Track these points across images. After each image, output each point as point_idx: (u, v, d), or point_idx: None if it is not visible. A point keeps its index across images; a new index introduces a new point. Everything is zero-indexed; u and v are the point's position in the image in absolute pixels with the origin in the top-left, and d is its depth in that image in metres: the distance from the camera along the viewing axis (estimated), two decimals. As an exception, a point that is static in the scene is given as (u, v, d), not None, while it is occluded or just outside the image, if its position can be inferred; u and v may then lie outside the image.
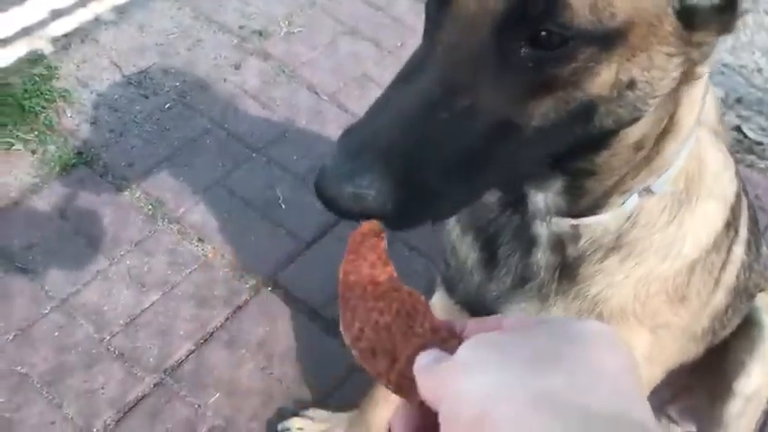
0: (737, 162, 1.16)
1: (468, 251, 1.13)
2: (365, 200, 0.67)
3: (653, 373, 1.15)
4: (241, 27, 2.60)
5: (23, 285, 1.85)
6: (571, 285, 1.02)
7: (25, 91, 2.23)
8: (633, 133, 0.83)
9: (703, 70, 0.83)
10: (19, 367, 1.72)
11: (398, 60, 2.53)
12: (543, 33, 0.70)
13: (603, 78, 0.74)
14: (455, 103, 0.72)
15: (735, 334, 1.38)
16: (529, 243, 1.02)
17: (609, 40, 0.72)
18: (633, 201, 0.93)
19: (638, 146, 0.86)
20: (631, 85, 0.76)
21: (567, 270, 1.01)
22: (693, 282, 1.03)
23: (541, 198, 0.94)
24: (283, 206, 2.08)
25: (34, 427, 1.63)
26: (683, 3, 0.74)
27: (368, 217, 0.67)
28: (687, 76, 0.81)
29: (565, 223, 0.96)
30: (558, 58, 0.71)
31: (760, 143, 2.56)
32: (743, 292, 1.27)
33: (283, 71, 2.46)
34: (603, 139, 0.82)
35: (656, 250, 0.98)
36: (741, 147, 2.53)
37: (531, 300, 1.05)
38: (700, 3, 0.75)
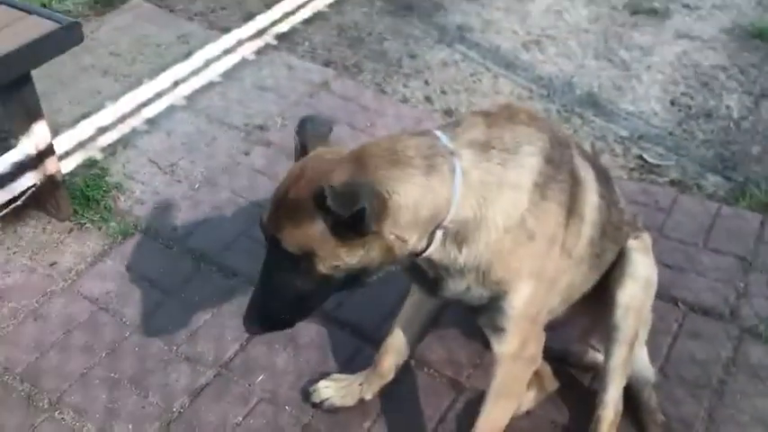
0: (642, 180, 1.83)
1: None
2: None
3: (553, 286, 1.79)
4: (246, 124, 3.33)
5: (107, 319, 2.46)
6: (455, 274, 1.69)
7: (87, 186, 2.91)
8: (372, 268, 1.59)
9: (404, 250, 1.56)
10: (112, 374, 2.30)
11: (371, 136, 3.26)
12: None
13: (322, 268, 1.52)
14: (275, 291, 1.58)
15: (614, 265, 2.02)
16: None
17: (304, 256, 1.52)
18: (438, 236, 1.60)
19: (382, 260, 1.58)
20: (345, 266, 1.53)
21: (446, 270, 1.70)
22: (528, 228, 1.65)
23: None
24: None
25: (130, 412, 2.20)
26: (331, 233, 1.48)
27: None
28: (392, 252, 1.55)
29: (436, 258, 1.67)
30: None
31: (658, 165, 3.27)
32: (608, 225, 1.91)
33: (283, 153, 3.17)
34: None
35: (481, 234, 1.62)
36: (644, 169, 3.24)
37: (446, 287, 1.75)
38: (340, 227, 1.46)
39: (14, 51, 2.29)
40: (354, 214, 1.44)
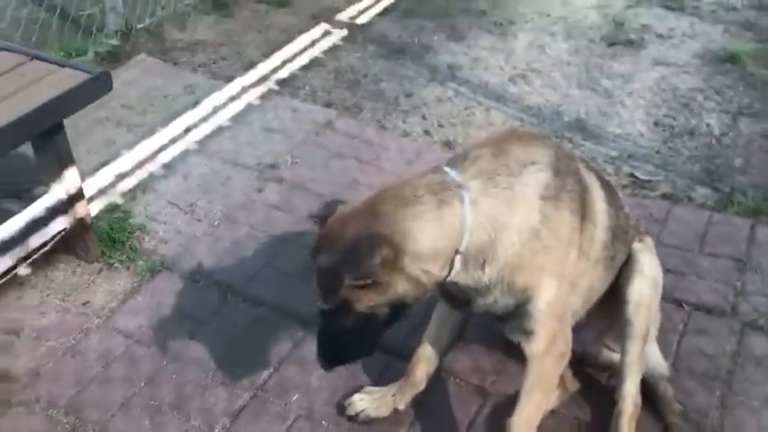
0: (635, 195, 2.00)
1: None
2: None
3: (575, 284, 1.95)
4: (257, 164, 3.50)
5: (143, 351, 2.57)
6: (482, 291, 1.86)
7: (112, 229, 3.04)
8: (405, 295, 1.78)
9: (430, 279, 1.76)
10: (153, 401, 2.40)
11: (376, 168, 3.44)
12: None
13: (360, 308, 1.75)
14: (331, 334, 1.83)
15: (623, 266, 2.18)
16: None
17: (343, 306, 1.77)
18: (457, 262, 1.77)
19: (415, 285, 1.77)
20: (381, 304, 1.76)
21: (474, 290, 1.87)
22: (543, 239, 1.80)
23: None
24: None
25: (174, 435, 2.30)
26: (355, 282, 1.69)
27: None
28: (419, 283, 1.75)
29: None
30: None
31: (649, 181, 3.46)
32: (618, 229, 2.09)
33: (295, 188, 3.33)
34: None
35: (499, 253, 1.79)
36: (636, 185, 3.44)
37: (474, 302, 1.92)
38: (364, 277, 1.68)
39: (51, 101, 2.44)
40: (373, 261, 1.65)
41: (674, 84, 4.29)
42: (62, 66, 2.63)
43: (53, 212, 2.69)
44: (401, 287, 1.73)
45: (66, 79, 2.55)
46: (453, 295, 1.92)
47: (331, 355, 1.89)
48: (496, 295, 1.84)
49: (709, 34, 4.86)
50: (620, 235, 2.13)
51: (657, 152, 3.70)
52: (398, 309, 1.79)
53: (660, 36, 4.85)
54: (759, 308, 2.70)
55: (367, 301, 1.73)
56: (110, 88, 2.63)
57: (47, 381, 2.46)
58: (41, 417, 2.34)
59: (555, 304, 1.89)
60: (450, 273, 1.78)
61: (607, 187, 2.11)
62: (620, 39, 4.78)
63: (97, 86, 2.58)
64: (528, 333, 1.91)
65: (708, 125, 3.91)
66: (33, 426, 2.31)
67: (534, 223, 1.80)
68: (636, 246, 2.21)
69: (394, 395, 2.30)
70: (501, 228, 1.78)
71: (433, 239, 1.71)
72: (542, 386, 1.99)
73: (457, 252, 1.76)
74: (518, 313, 1.88)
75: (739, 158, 3.64)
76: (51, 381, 2.46)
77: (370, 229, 1.68)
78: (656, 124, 3.94)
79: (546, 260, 1.82)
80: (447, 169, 1.83)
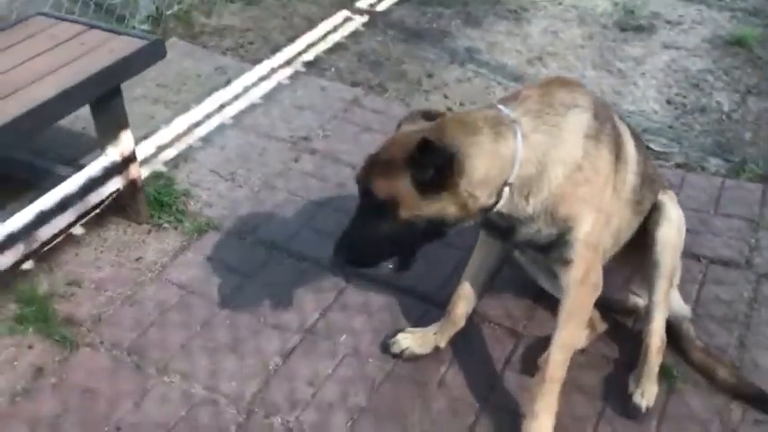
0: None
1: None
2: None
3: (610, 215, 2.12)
4: (291, 137, 3.68)
5: (196, 300, 2.74)
6: (526, 221, 2.02)
7: (159, 193, 3.21)
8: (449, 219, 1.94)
9: (476, 205, 1.92)
10: (209, 343, 2.57)
11: (405, 140, 3.61)
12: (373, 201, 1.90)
13: (403, 214, 1.87)
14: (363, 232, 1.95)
15: (650, 215, 2.35)
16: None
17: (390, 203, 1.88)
18: (506, 192, 1.94)
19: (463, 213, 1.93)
20: (424, 216, 1.89)
21: (518, 220, 2.03)
22: (585, 172, 1.98)
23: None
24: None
25: (231, 373, 2.46)
26: (415, 185, 1.83)
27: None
28: (465, 207, 1.90)
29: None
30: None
31: (663, 152, 3.65)
32: (645, 176, 2.27)
33: (328, 159, 3.51)
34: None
35: (544, 185, 1.96)
36: (653, 155, 3.59)
37: (519, 232, 2.08)
38: (423, 181, 1.84)
39: (111, 65, 2.62)
40: (437, 169, 1.80)
41: (684, 66, 4.48)
42: (118, 34, 2.82)
43: (109, 173, 2.86)
44: (448, 207, 1.89)
45: (123, 46, 2.73)
46: (497, 226, 2.09)
47: (353, 251, 1.99)
48: (540, 225, 2.01)
49: (716, 20, 5.05)
50: (647, 182, 2.31)
51: (671, 127, 3.89)
52: (437, 228, 1.94)
53: (669, 22, 5.03)
54: (772, 261, 2.88)
55: (413, 209, 1.86)
56: (163, 55, 2.82)
57: (109, 326, 2.63)
58: (107, 356, 2.51)
59: (592, 235, 2.06)
60: (497, 202, 1.95)
61: (636, 137, 2.29)
62: (630, 24, 4.97)
63: (152, 53, 2.76)
64: (567, 262, 2.08)
65: (718, 103, 4.10)
66: (100, 363, 2.48)
67: (577, 158, 1.97)
68: (662, 197, 2.39)
69: (435, 333, 2.48)
70: (547, 161, 1.95)
71: (487, 167, 1.89)
72: (578, 315, 2.16)
73: (506, 183, 1.93)
74: (559, 243, 2.05)
75: (749, 132, 3.83)
76: (113, 326, 2.63)
77: (441, 142, 1.83)
78: (668, 102, 4.12)
79: (586, 192, 1.99)
80: (501, 106, 2.00)
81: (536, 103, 2.01)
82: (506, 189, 1.94)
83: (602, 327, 2.55)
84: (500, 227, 2.08)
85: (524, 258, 2.55)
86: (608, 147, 2.05)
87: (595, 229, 2.07)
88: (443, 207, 1.89)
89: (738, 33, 4.77)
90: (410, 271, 2.09)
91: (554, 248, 2.07)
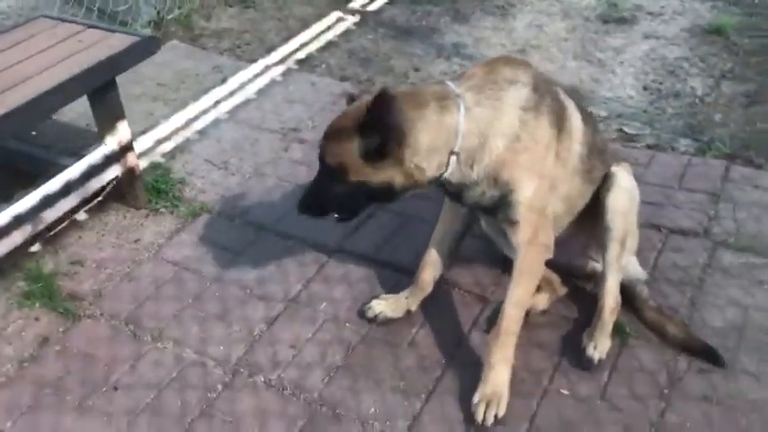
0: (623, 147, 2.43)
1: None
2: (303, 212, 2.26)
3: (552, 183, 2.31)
4: (281, 128, 3.90)
5: (189, 276, 2.96)
6: (471, 185, 2.22)
7: (156, 181, 3.45)
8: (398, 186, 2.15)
9: (423, 176, 2.13)
10: (200, 313, 2.78)
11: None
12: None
13: (352, 178, 2.11)
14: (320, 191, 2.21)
15: (602, 185, 2.53)
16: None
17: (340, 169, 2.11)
18: (451, 167, 2.15)
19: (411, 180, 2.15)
20: (371, 183, 2.12)
21: (464, 185, 2.22)
22: (522, 141, 2.16)
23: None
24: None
25: (220, 338, 2.67)
26: (361, 154, 2.04)
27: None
28: (412, 177, 2.12)
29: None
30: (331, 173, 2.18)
31: (635, 135, 3.82)
32: (593, 146, 2.45)
33: (316, 147, 3.71)
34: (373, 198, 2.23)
35: (486, 154, 2.16)
36: (623, 138, 3.79)
37: (466, 194, 2.26)
38: (369, 149, 2.04)
39: (107, 59, 2.86)
40: (382, 138, 2.01)
41: (662, 54, 4.66)
42: (114, 32, 3.05)
43: (108, 160, 3.10)
44: (396, 176, 2.10)
45: (118, 42, 2.97)
46: (447, 190, 2.30)
47: (312, 204, 2.27)
48: (484, 188, 2.21)
49: (697, 10, 5.22)
50: (596, 153, 2.49)
51: (645, 111, 4.07)
52: (385, 193, 2.16)
53: (651, 14, 5.21)
54: (729, 230, 3.05)
55: (360, 175, 2.09)
56: (155, 50, 3.05)
57: (108, 300, 2.85)
58: (106, 326, 2.74)
59: (535, 198, 2.25)
60: (446, 170, 2.15)
61: (583, 111, 2.48)
62: (613, 16, 5.15)
63: (145, 48, 3.00)
64: (513, 223, 2.27)
65: (692, 88, 4.27)
66: (101, 332, 2.71)
67: (515, 129, 2.17)
68: (614, 168, 2.57)
69: (407, 298, 2.68)
70: (489, 133, 2.15)
71: (432, 138, 2.09)
72: (529, 273, 2.35)
73: (452, 153, 2.13)
74: (503, 204, 2.24)
75: (719, 114, 4.00)
76: (112, 299, 2.85)
77: (388, 115, 2.03)
78: (644, 88, 4.30)
79: (525, 159, 2.19)
80: (448, 82, 2.21)
81: (480, 79, 2.21)
82: (452, 159, 2.14)
83: (562, 290, 2.73)
84: (449, 191, 2.28)
85: (489, 228, 2.74)
86: (548, 118, 2.24)
87: (539, 193, 2.26)
88: (390, 175, 2.11)
89: (717, 22, 4.93)
90: (350, 222, 2.41)
91: (500, 210, 2.27)
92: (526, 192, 2.23)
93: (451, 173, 2.18)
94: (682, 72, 4.44)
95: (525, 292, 2.36)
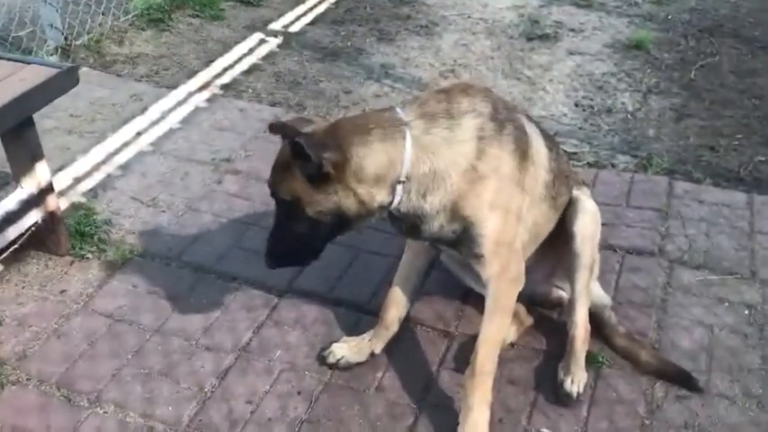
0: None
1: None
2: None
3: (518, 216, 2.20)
4: (213, 159, 3.67)
5: (126, 328, 2.69)
6: (426, 218, 2.08)
7: (79, 224, 3.15)
8: (351, 213, 2.02)
9: (372, 201, 2.01)
10: (142, 370, 2.53)
11: (327, 156, 3.65)
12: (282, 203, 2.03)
13: (309, 211, 2.00)
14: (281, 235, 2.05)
15: (566, 211, 2.46)
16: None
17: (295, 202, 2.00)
18: (397, 195, 2.03)
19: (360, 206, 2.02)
20: (327, 211, 2.00)
21: (418, 218, 2.09)
22: (480, 172, 2.04)
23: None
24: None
25: (167, 398, 2.43)
26: (307, 179, 1.95)
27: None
28: (362, 203, 2.01)
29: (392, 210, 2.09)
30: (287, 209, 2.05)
31: (575, 153, 3.81)
32: (559, 172, 2.37)
33: (251, 178, 3.52)
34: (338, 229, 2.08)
35: (438, 183, 2.04)
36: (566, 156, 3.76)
37: (423, 228, 2.13)
38: (310, 175, 1.93)
39: (23, 95, 2.57)
40: (320, 164, 1.90)
41: (589, 70, 4.70)
42: (27, 63, 2.76)
43: (26, 206, 2.80)
44: (345, 200, 1.99)
45: (33, 75, 2.68)
46: (401, 222, 2.15)
47: (278, 254, 2.15)
48: (442, 221, 2.09)
49: (616, 26, 5.32)
50: (562, 179, 2.41)
51: (580, 128, 4.07)
52: (343, 222, 2.05)
53: (573, 30, 5.27)
54: (682, 247, 3.05)
55: (314, 205, 1.99)
56: (76, 82, 2.78)
57: (36, 361, 2.55)
58: (35, 392, 2.44)
59: (501, 232, 2.12)
60: (393, 200, 2.03)
61: (547, 136, 2.40)
62: (536, 34, 5.18)
63: (66, 80, 2.72)
64: (478, 257, 2.15)
65: (623, 103, 4.31)
66: (29, 400, 2.41)
67: (470, 159, 2.05)
68: (576, 192, 2.50)
69: (370, 340, 2.51)
70: (438, 162, 2.04)
71: (375, 165, 1.98)
72: (501, 309, 2.24)
73: (399, 181, 2.00)
74: (465, 238, 2.12)
75: (653, 129, 4.04)
76: (40, 361, 2.56)
77: (326, 139, 1.95)
78: (576, 105, 4.31)
79: (484, 190, 2.07)
80: (398, 109, 2.08)
81: (433, 106, 2.09)
82: (399, 187, 2.02)
83: (528, 320, 2.64)
84: (406, 224, 2.14)
85: (450, 261, 2.62)
86: (509, 147, 2.13)
87: (505, 227, 2.14)
88: (340, 200, 2.00)
89: (636, 37, 5.03)
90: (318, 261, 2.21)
91: (463, 244, 2.14)
92: (489, 225, 2.11)
93: (400, 202, 2.05)
94: (610, 88, 4.49)
95: (499, 328, 2.25)
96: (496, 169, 2.10)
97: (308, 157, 1.90)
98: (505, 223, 2.15)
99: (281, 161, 2.03)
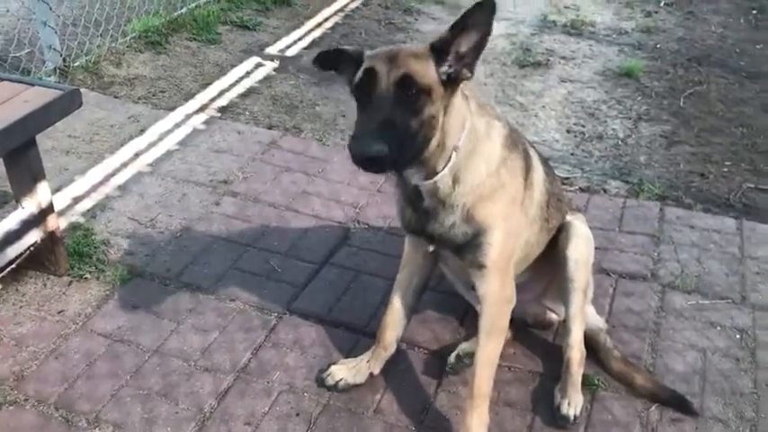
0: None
1: (406, 210, 2.24)
2: (381, 154, 1.80)
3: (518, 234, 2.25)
4: (211, 180, 3.70)
5: (125, 348, 2.70)
6: (448, 208, 2.12)
7: (77, 244, 3.16)
8: (432, 143, 1.98)
9: (452, 128, 1.99)
10: (141, 391, 2.53)
11: (323, 179, 3.69)
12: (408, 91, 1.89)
13: (430, 110, 1.90)
14: (388, 120, 1.86)
15: (560, 234, 2.51)
16: (419, 197, 2.14)
17: (425, 92, 1.89)
18: (451, 162, 2.05)
19: (437, 146, 2.00)
20: (433, 117, 1.93)
21: (442, 204, 2.12)
22: (501, 179, 2.13)
23: (410, 174, 2.07)
24: (279, 270, 3.08)
25: (166, 419, 2.43)
26: (442, 78, 1.92)
27: (378, 164, 1.83)
28: (448, 131, 1.98)
29: (427, 183, 2.08)
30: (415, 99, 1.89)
31: (567, 178, 3.87)
32: (552, 195, 2.42)
33: (249, 200, 3.55)
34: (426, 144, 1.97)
35: (470, 174, 2.09)
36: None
37: (438, 221, 2.15)
38: (450, 77, 1.93)
39: (27, 116, 2.60)
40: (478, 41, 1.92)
41: (580, 97, 4.78)
42: (31, 85, 2.79)
43: (26, 225, 2.81)
44: (446, 118, 1.95)
45: (37, 97, 2.71)
46: (421, 204, 2.15)
47: (377, 137, 1.81)
48: (457, 218, 2.12)
49: (606, 54, 5.42)
50: (554, 202, 2.47)
51: (572, 154, 4.13)
52: (422, 145, 1.94)
53: (564, 58, 5.37)
54: (674, 272, 3.10)
55: (437, 104, 1.89)
56: (80, 104, 2.80)
57: (33, 381, 2.55)
58: (33, 413, 2.44)
59: (504, 245, 2.18)
60: (447, 164, 2.04)
61: (544, 161, 2.46)
62: (528, 61, 5.27)
63: (69, 102, 2.75)
64: (481, 268, 2.19)
65: (613, 130, 4.39)
66: (27, 421, 2.41)
67: (498, 163, 2.13)
68: (570, 217, 2.56)
69: (368, 361, 2.54)
70: (477, 147, 2.08)
71: (460, 109, 2.02)
72: (497, 329, 2.27)
73: (455, 148, 2.03)
74: (473, 244, 2.15)
75: (643, 155, 4.12)
76: (38, 381, 2.56)
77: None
78: (568, 131, 4.38)
79: (500, 199, 2.13)
80: None
81: (478, 101, 2.16)
82: (453, 153, 2.04)
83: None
84: (422, 210, 2.16)
85: (449, 272, 2.63)
86: (520, 163, 2.21)
87: (508, 239, 2.20)
88: (438, 109, 1.92)
89: (626, 65, 5.13)
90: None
91: (469, 250, 2.18)
92: (497, 235, 2.16)
93: (442, 177, 2.05)
94: (601, 114, 4.57)
95: (494, 350, 2.28)
96: (512, 182, 2.19)
97: (447, 58, 1.88)
98: (509, 236, 2.20)
99: (411, 53, 1.90)
